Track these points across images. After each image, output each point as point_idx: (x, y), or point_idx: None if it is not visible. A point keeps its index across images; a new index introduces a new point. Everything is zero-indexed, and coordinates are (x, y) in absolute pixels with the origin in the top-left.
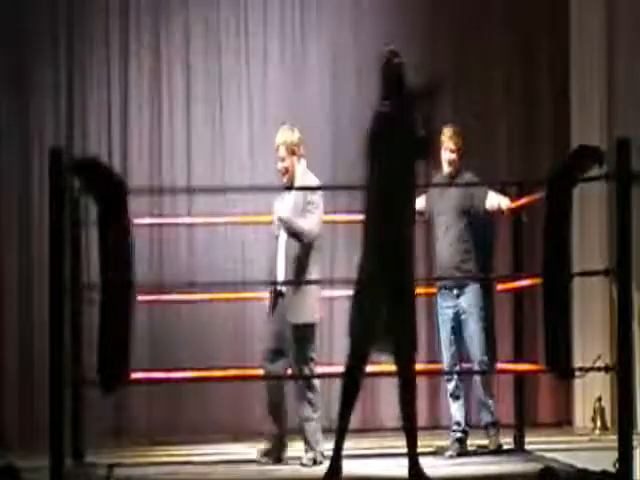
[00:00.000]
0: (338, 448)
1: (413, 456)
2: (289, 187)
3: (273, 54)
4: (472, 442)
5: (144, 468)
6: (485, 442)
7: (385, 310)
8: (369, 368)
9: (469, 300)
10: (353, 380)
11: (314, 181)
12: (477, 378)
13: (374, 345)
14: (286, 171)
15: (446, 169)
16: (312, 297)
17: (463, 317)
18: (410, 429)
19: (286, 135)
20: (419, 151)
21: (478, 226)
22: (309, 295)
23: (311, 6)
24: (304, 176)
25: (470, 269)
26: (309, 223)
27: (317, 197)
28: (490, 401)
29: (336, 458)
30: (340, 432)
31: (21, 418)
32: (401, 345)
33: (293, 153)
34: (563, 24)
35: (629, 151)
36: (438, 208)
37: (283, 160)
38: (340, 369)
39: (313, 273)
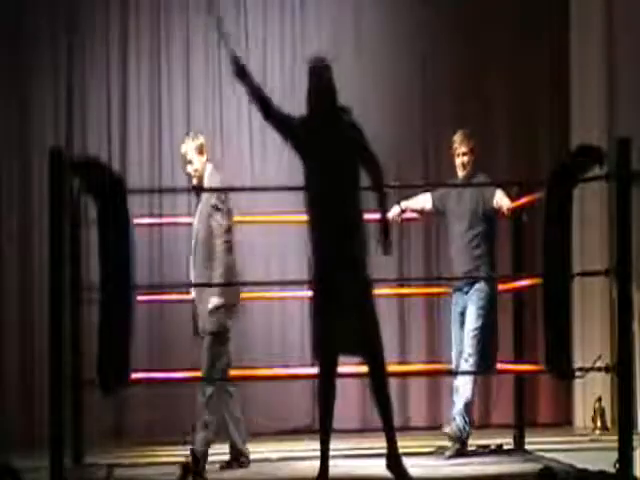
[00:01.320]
0: (325, 449)
1: (397, 455)
2: (199, 188)
3: (273, 55)
4: (472, 442)
5: (144, 468)
6: (485, 442)
7: (347, 310)
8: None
9: (471, 298)
10: (328, 384)
11: (219, 181)
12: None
13: (340, 347)
14: (195, 172)
15: (460, 173)
16: (210, 305)
17: (467, 309)
18: (390, 428)
19: (190, 141)
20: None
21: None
22: (207, 303)
23: (310, 6)
24: (212, 177)
25: (482, 274)
26: (219, 245)
27: (220, 201)
28: (470, 385)
29: (324, 459)
30: (324, 434)
31: (21, 418)
32: (368, 344)
33: (201, 153)
34: (563, 24)
35: (629, 151)
36: (454, 213)
37: (192, 162)
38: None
39: (217, 277)
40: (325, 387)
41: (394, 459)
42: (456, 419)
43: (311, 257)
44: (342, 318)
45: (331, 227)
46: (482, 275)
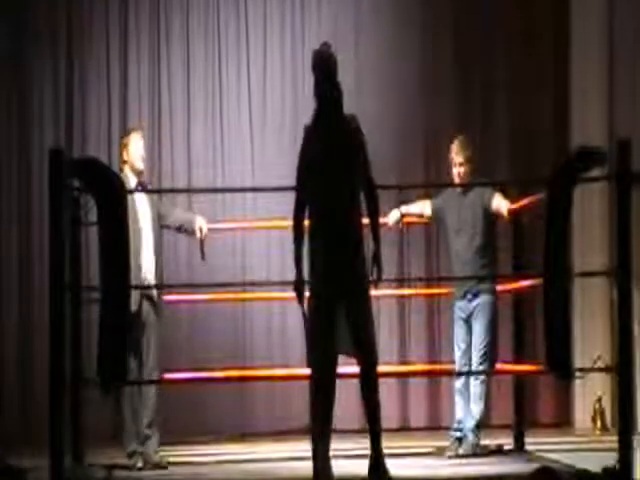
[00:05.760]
0: (326, 450)
1: (381, 457)
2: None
3: (273, 53)
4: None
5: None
6: (486, 442)
7: (344, 312)
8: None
9: (478, 315)
10: (328, 383)
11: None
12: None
13: (338, 347)
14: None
15: (458, 187)
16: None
17: (473, 320)
18: (378, 430)
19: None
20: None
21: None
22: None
23: (311, 5)
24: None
25: (488, 285)
26: None
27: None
28: (481, 404)
29: (324, 459)
30: (325, 435)
31: (21, 418)
32: (363, 344)
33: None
34: (564, 24)
35: (629, 152)
36: (453, 228)
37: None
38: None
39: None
40: (324, 386)
41: (377, 466)
42: (468, 437)
43: (310, 262)
44: (339, 321)
45: (331, 235)
46: (486, 286)
